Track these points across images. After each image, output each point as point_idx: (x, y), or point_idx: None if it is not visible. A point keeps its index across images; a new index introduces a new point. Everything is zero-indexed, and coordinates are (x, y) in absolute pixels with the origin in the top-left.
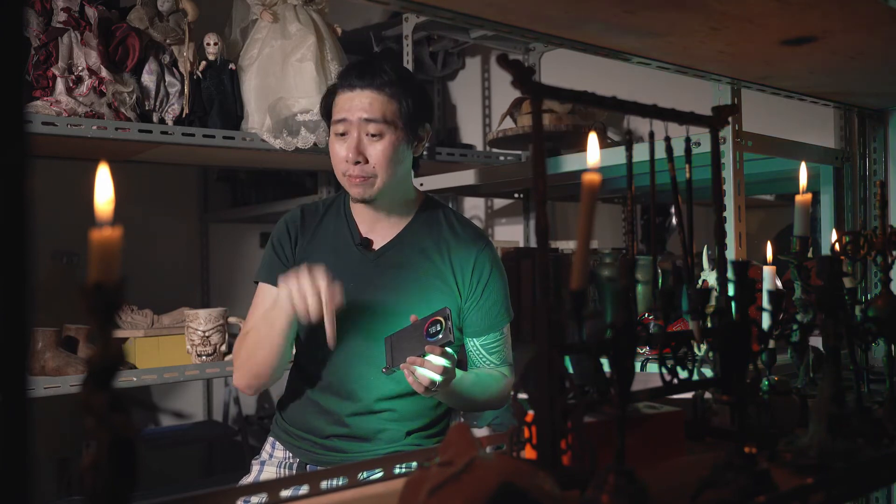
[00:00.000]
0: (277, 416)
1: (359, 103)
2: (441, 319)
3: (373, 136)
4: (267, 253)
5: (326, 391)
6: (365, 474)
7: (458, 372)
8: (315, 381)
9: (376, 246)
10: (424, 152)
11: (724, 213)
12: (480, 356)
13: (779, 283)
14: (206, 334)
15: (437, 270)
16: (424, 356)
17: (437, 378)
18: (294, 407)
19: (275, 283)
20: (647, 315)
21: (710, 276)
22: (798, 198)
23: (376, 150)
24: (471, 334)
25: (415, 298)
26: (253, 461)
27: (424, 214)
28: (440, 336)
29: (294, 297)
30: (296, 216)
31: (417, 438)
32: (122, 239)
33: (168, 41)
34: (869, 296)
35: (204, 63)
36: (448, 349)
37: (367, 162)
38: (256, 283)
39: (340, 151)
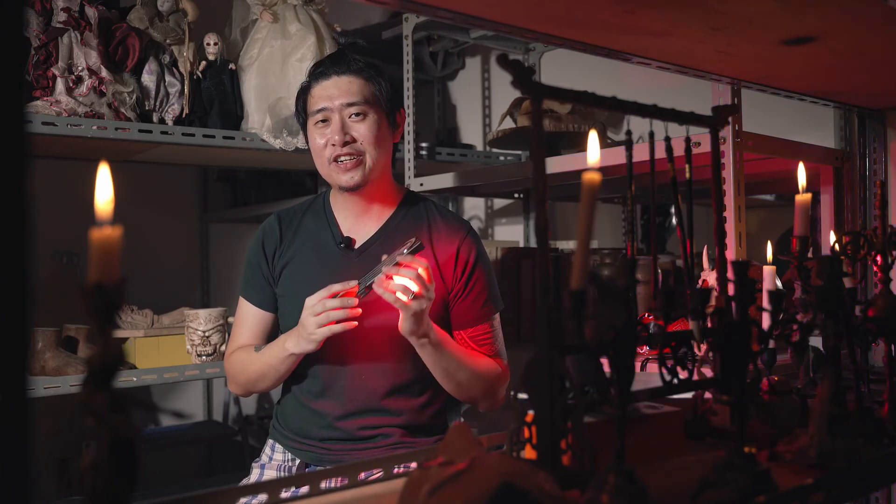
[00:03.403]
0: (275, 420)
1: (337, 89)
2: (412, 240)
3: (356, 115)
4: (245, 267)
5: (316, 394)
6: (364, 474)
7: (444, 333)
8: (305, 385)
9: (358, 243)
10: (424, 152)
11: (724, 213)
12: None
13: (779, 283)
14: (206, 334)
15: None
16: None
17: (412, 286)
18: (288, 411)
19: (252, 301)
20: (647, 315)
21: (710, 276)
22: (798, 198)
23: (362, 129)
24: (459, 326)
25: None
26: (253, 464)
27: (405, 208)
28: (406, 250)
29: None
30: (272, 225)
31: (413, 437)
32: (122, 239)
33: (168, 41)
34: (869, 296)
35: (204, 63)
36: (426, 265)
37: (354, 141)
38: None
39: (323, 139)
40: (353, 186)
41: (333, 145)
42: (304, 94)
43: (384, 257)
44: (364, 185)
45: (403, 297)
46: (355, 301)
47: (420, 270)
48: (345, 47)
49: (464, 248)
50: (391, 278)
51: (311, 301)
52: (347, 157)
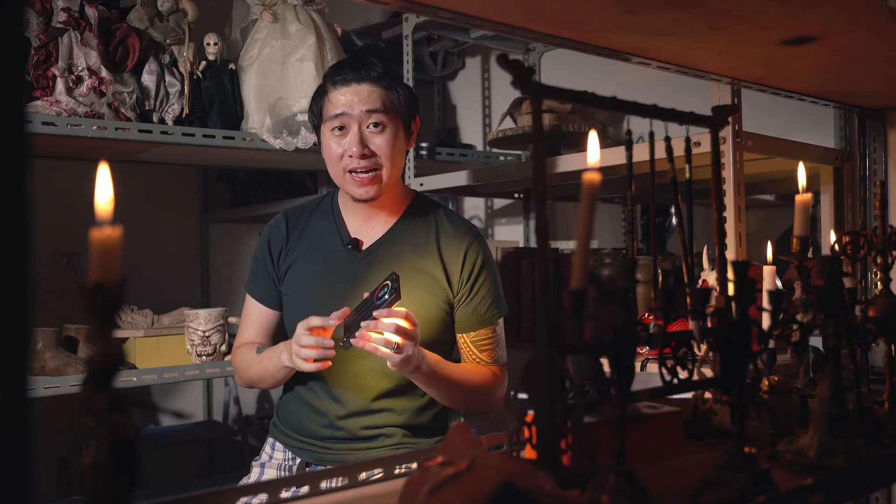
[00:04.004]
0: (275, 418)
1: (357, 97)
2: (387, 283)
3: (375, 126)
4: (251, 264)
5: (319, 393)
6: (365, 475)
7: (435, 358)
8: (308, 383)
9: (365, 245)
10: (424, 152)
11: (724, 213)
12: (471, 353)
13: (779, 283)
14: (206, 334)
15: (426, 267)
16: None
17: (394, 338)
18: (289, 409)
19: (257, 298)
20: (647, 315)
21: (710, 276)
22: (798, 198)
23: (380, 141)
24: (461, 329)
25: (404, 297)
26: (253, 462)
27: (414, 211)
28: (385, 297)
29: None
30: (279, 223)
31: (415, 438)
32: (122, 239)
33: (168, 41)
34: (869, 296)
35: (204, 63)
36: (405, 313)
37: (372, 154)
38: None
39: (340, 147)
40: (368, 199)
41: (351, 157)
42: (320, 96)
43: (365, 295)
44: (378, 197)
45: (387, 350)
46: (331, 343)
47: (400, 322)
48: (364, 49)
49: (471, 253)
50: (372, 333)
51: (297, 329)
52: (364, 172)
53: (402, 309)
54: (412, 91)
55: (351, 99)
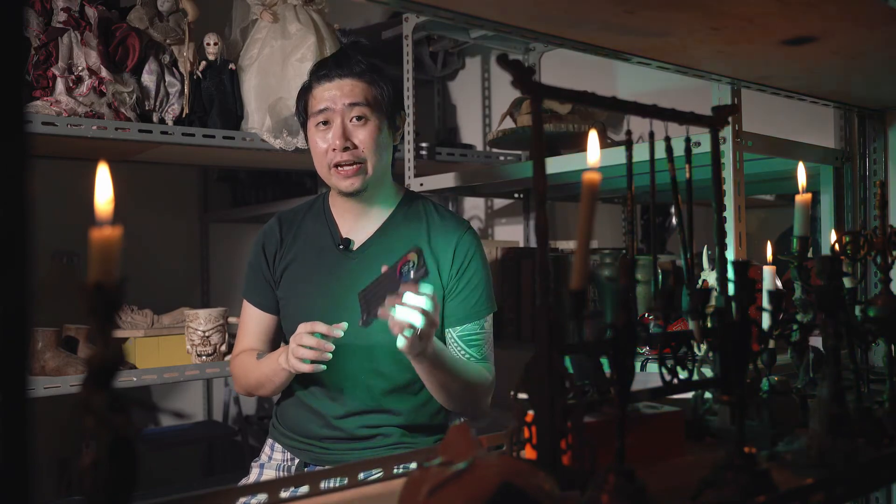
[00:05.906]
0: (274, 419)
1: (339, 91)
2: (412, 257)
3: (358, 119)
4: (247, 271)
5: (316, 393)
6: (364, 474)
7: (440, 344)
8: (306, 383)
9: (357, 244)
10: (424, 152)
11: (724, 213)
12: (458, 349)
13: (779, 283)
14: (206, 334)
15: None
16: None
17: (418, 321)
18: (288, 410)
19: (254, 304)
20: (647, 315)
21: (710, 276)
22: (798, 198)
23: (363, 134)
24: (449, 324)
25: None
26: (252, 463)
27: (405, 207)
28: (412, 273)
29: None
30: (273, 228)
31: (413, 437)
32: (122, 239)
33: (168, 41)
34: (869, 296)
35: (204, 63)
36: (428, 293)
37: (355, 147)
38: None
39: (324, 142)
40: (354, 192)
41: (334, 150)
42: (305, 94)
43: (384, 268)
44: (364, 191)
45: (407, 333)
46: (331, 347)
47: (426, 305)
48: (347, 47)
49: (461, 245)
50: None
51: (299, 329)
52: (348, 164)
53: (429, 288)
54: (396, 86)
55: (334, 94)
